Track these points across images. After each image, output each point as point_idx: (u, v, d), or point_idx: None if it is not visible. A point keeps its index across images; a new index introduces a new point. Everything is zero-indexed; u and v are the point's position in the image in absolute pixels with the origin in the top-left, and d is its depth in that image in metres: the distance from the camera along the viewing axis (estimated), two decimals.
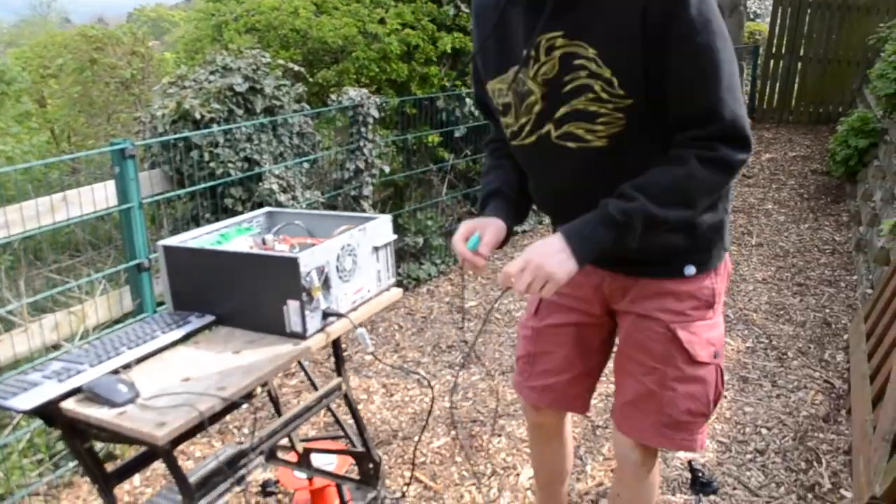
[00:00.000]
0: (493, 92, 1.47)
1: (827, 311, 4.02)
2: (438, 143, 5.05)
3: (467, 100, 5.04)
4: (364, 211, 4.22)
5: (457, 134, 5.09)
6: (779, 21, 10.36)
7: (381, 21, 5.00)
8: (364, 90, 4.28)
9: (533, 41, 1.32)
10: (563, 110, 1.35)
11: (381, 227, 1.93)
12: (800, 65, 10.32)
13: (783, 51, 10.34)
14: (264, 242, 1.90)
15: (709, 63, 1.23)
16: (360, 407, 3.04)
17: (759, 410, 2.98)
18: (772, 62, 10.45)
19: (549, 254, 1.28)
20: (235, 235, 1.94)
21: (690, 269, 1.50)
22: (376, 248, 1.90)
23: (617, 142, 1.33)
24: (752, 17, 16.33)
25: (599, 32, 1.27)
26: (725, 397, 3.09)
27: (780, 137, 9.30)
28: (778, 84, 10.43)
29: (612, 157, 1.35)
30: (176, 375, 1.55)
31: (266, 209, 2.12)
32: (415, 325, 4.03)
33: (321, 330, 1.73)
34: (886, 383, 2.62)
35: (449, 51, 5.06)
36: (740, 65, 10.39)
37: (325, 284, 1.73)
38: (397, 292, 2.01)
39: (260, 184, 3.65)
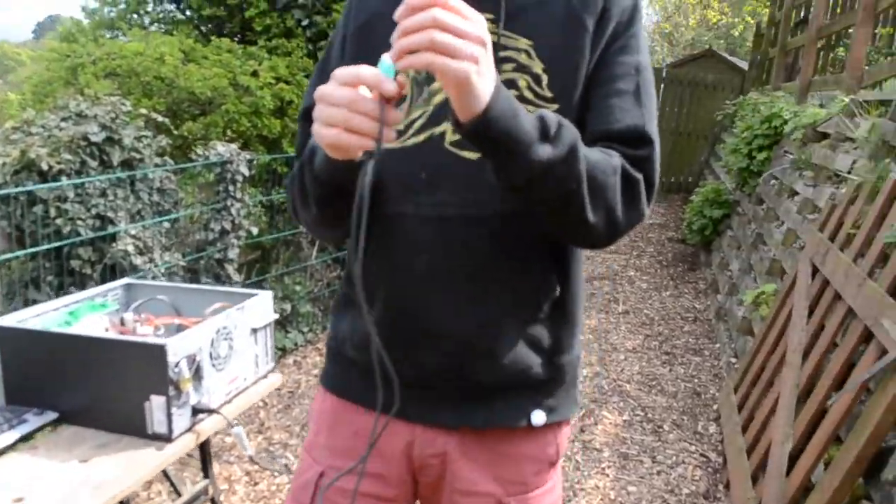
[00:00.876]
0: None
1: (696, 380, 4.11)
2: None
3: None
4: (229, 276, 3.93)
5: None
6: None
7: (254, 73, 4.79)
8: (233, 145, 4.04)
9: None
10: None
11: (260, 305, 1.72)
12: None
13: None
14: (123, 323, 1.64)
15: (649, 84, 1.08)
16: (221, 499, 2.72)
17: (643, 489, 2.94)
18: None
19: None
20: (87, 313, 1.67)
21: (539, 417, 1.11)
22: (255, 330, 1.69)
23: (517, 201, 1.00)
24: None
25: (541, 20, 1.06)
26: (608, 475, 3.03)
27: None
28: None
29: None
30: (5, 495, 1.26)
31: (124, 280, 1.86)
32: (281, 401, 3.74)
33: (190, 429, 1.49)
34: (766, 457, 2.65)
35: None
36: None
37: (197, 375, 1.49)
38: (276, 379, 1.80)
39: (113, 244, 3.30)
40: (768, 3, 11.16)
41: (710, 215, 6.56)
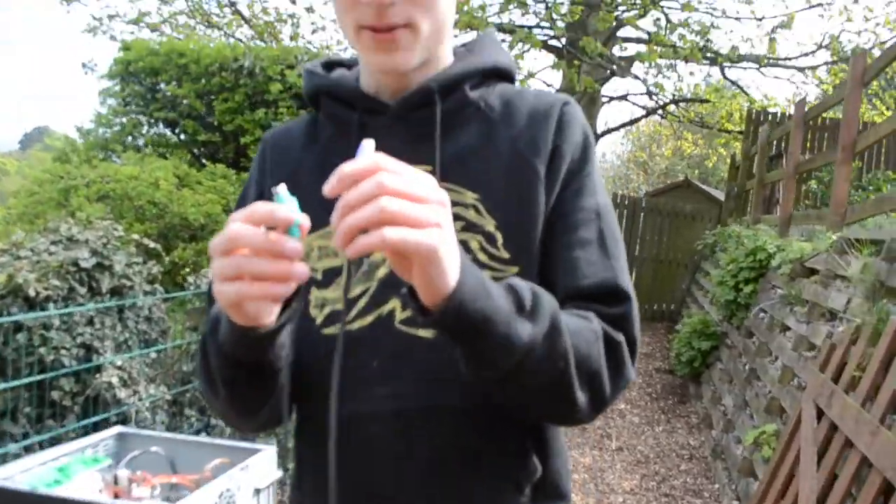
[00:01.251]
0: (313, 251, 0.95)
1: None
2: None
3: None
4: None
5: None
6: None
7: None
8: None
9: None
10: None
11: (263, 463, 1.61)
12: (635, 264, 11.12)
13: None
14: (116, 482, 1.52)
15: (613, 228, 0.94)
16: None
17: None
18: None
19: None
20: (79, 469, 1.55)
21: None
22: (258, 491, 1.57)
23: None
24: None
25: (485, 168, 0.92)
26: None
27: None
28: None
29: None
30: None
31: (116, 430, 1.75)
32: None
33: None
34: None
35: None
36: None
37: None
38: None
39: (97, 375, 3.17)
40: (740, 137, 11.65)
41: (699, 347, 6.53)
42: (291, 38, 9.03)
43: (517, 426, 0.92)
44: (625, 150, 19.21)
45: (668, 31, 9.50)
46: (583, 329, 0.84)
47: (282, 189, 0.67)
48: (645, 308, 11.05)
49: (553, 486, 0.97)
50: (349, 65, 1.02)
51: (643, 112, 11.55)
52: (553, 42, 9.71)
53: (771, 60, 9.81)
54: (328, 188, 0.64)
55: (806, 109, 6.36)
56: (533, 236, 0.91)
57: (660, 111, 10.82)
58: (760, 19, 9.71)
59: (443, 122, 0.91)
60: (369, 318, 0.90)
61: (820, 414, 3.08)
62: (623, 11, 9.67)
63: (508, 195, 0.91)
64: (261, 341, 0.75)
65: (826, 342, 3.42)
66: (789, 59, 9.60)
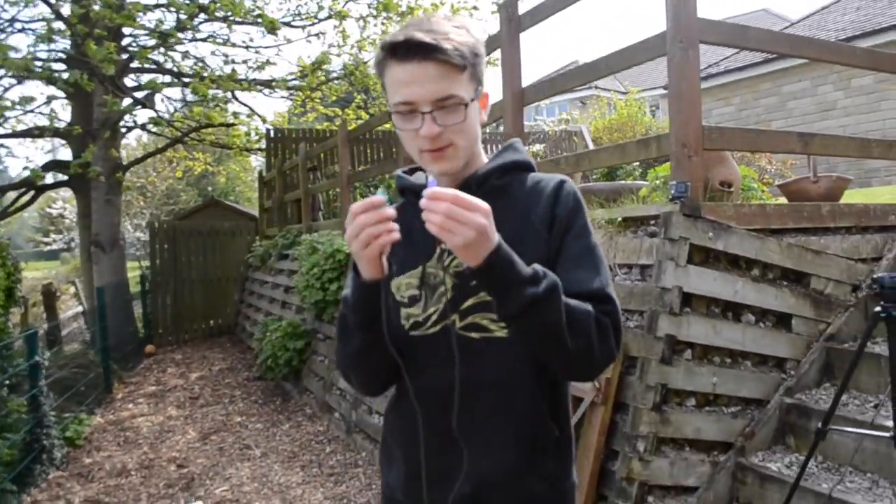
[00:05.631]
0: (399, 287, 1.46)
1: None
2: None
3: None
4: None
5: None
6: (158, 250, 11.14)
7: None
8: None
9: None
10: (470, 301, 1.39)
11: None
12: (185, 287, 11.20)
13: (168, 277, 11.10)
14: None
15: (602, 257, 1.41)
16: None
17: None
18: (159, 290, 11.06)
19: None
20: None
21: None
22: None
23: (517, 334, 1.36)
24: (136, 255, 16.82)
25: (509, 224, 1.34)
26: None
27: (192, 356, 9.85)
28: (169, 308, 11.06)
29: (512, 347, 1.38)
30: None
31: None
32: None
33: None
34: None
35: None
36: (128, 300, 10.70)
37: None
38: None
39: None
40: (259, 153, 12.52)
41: (294, 346, 7.18)
42: None
43: (541, 400, 1.42)
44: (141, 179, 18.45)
45: (178, 63, 9.83)
46: (578, 305, 1.31)
47: (379, 191, 1.24)
48: (203, 327, 11.25)
49: (565, 446, 1.48)
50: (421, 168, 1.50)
51: (168, 141, 11.58)
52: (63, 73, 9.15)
53: (276, 83, 10.85)
54: (427, 194, 1.17)
55: (348, 130, 7.52)
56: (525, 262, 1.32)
57: (186, 138, 11.01)
58: (257, 49, 10.59)
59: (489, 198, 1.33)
60: (438, 327, 1.42)
61: None
62: (133, 44, 9.66)
63: (516, 243, 1.30)
64: (377, 288, 1.32)
65: None
66: (286, 80, 10.73)
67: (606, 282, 1.38)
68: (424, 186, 1.22)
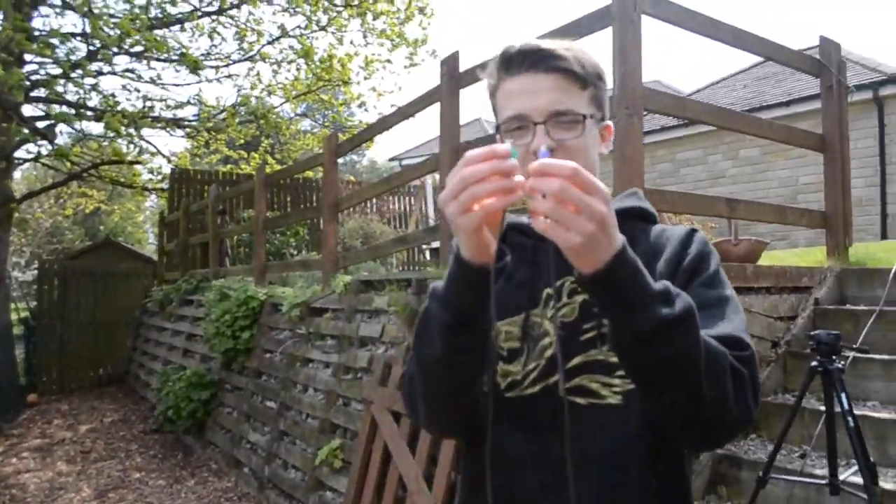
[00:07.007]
0: (500, 335, 1.22)
1: None
2: None
3: None
4: None
5: None
6: (45, 291, 10.48)
7: None
8: None
9: (557, 281, 1.17)
10: (577, 360, 1.15)
11: None
12: (73, 331, 10.55)
13: (54, 319, 10.43)
14: None
15: (737, 307, 1.16)
16: None
17: None
18: (45, 333, 10.37)
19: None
20: None
21: None
22: None
23: (631, 400, 1.11)
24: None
25: None
26: None
27: (80, 407, 9.24)
28: (55, 354, 10.37)
29: (624, 420, 1.13)
30: None
31: None
32: None
33: None
34: None
35: None
36: (11, 344, 9.98)
37: None
38: None
39: None
40: (160, 193, 12.06)
41: (199, 398, 6.87)
42: None
43: (651, 479, 1.13)
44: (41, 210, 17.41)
45: (84, 95, 9.46)
46: (714, 343, 1.01)
47: (507, 142, 1.00)
48: (90, 375, 10.60)
49: None
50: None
51: (65, 175, 11.02)
52: None
53: (184, 122, 10.61)
54: (533, 169, 0.87)
55: (266, 173, 7.41)
56: None
57: (85, 174, 10.50)
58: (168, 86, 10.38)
59: None
60: (537, 387, 1.16)
61: (397, 416, 3.98)
62: (38, 72, 9.24)
63: None
64: (481, 276, 0.98)
65: (378, 363, 4.35)
66: (205, 120, 10.52)
67: (743, 329, 1.10)
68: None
